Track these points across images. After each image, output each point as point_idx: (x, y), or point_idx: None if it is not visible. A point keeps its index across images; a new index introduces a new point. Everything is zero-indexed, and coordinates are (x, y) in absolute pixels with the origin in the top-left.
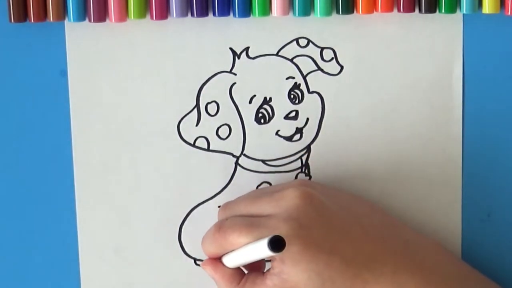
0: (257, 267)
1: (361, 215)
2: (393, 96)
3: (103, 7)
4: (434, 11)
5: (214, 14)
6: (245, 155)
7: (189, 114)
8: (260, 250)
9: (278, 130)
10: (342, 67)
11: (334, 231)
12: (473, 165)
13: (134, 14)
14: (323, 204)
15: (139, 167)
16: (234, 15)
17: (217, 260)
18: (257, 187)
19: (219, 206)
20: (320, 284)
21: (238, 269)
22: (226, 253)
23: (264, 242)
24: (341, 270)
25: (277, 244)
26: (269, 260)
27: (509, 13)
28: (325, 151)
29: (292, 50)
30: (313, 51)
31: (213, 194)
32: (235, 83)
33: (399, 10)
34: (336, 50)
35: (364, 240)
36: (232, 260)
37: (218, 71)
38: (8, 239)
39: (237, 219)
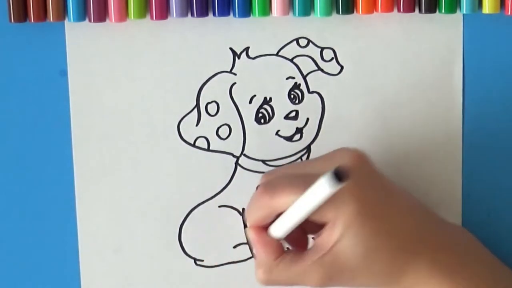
0: (300, 244)
1: (404, 192)
2: (393, 96)
3: (103, 7)
4: (434, 11)
5: (214, 14)
6: (245, 155)
7: (189, 114)
8: (320, 188)
9: (278, 130)
10: (342, 67)
11: (384, 199)
12: (473, 165)
13: (134, 14)
14: (374, 169)
15: (139, 167)
16: (234, 15)
17: (261, 227)
18: (257, 188)
19: (219, 206)
20: (363, 253)
21: (280, 245)
22: (272, 221)
23: (327, 175)
24: (387, 240)
25: (339, 177)
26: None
27: (509, 13)
28: (325, 151)
29: (292, 50)
30: (313, 51)
31: (213, 194)
32: (235, 83)
33: (399, 10)
34: (336, 50)
35: (409, 215)
36: (281, 223)
37: (218, 71)
38: (8, 239)
39: (285, 178)
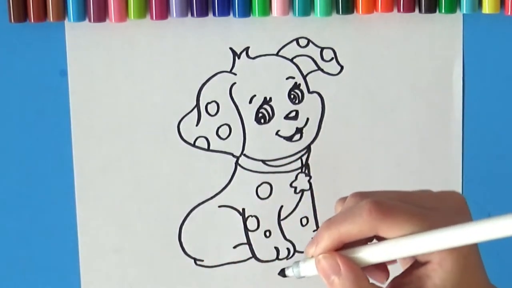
0: (380, 273)
1: None
2: (393, 96)
3: (103, 7)
4: (434, 11)
5: (214, 14)
6: (245, 155)
7: (189, 114)
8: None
9: (278, 130)
10: (342, 67)
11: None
12: (473, 165)
13: (134, 14)
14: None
15: (139, 167)
16: (234, 15)
17: (338, 253)
18: (257, 188)
19: (219, 206)
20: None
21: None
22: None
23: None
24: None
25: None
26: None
27: (509, 13)
28: (325, 151)
29: (292, 50)
30: (313, 51)
31: (213, 194)
32: (235, 83)
33: (399, 10)
34: (336, 50)
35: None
36: (385, 254)
37: (218, 71)
38: (8, 239)
39: (401, 204)
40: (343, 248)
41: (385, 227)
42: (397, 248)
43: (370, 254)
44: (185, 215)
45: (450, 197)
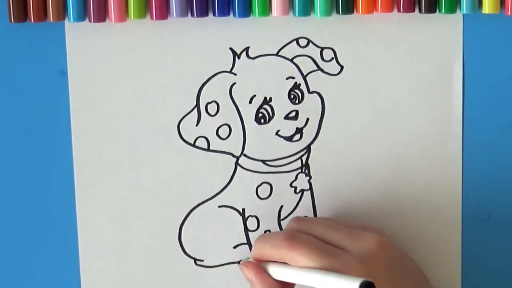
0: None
1: (417, 281)
2: (393, 96)
3: (103, 7)
4: (434, 11)
5: (214, 14)
6: (245, 155)
7: (189, 114)
8: (343, 286)
9: (278, 130)
10: (342, 67)
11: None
12: (473, 165)
13: (134, 14)
14: (394, 258)
15: (139, 167)
16: (234, 15)
17: (258, 265)
18: (257, 188)
19: (219, 206)
20: None
21: (278, 281)
22: (275, 261)
23: (355, 284)
24: None
25: None
26: None
27: (509, 13)
28: (325, 151)
29: (292, 50)
30: (313, 51)
31: (213, 194)
32: (235, 83)
33: (399, 10)
34: (336, 50)
35: None
36: (285, 274)
37: (218, 71)
38: (8, 239)
39: (310, 238)
40: None
41: (288, 258)
42: (297, 277)
43: (279, 272)
44: (185, 215)
45: (366, 237)
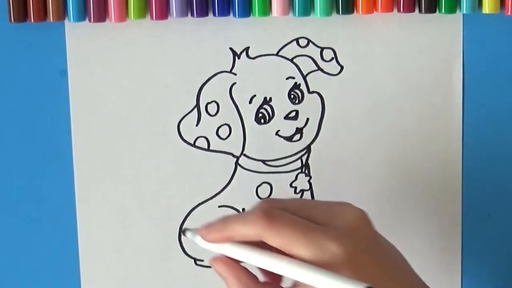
0: (276, 278)
1: (398, 257)
2: (393, 96)
3: (103, 7)
4: (434, 11)
5: (214, 14)
6: (245, 155)
7: (189, 114)
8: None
9: (278, 130)
10: (342, 67)
11: (377, 260)
12: (473, 165)
13: (134, 14)
14: (374, 232)
15: (139, 167)
16: (234, 15)
17: (227, 258)
18: (257, 188)
19: (219, 206)
20: None
21: (251, 273)
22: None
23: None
24: None
25: None
26: None
27: (509, 13)
28: (325, 151)
29: (292, 50)
30: (313, 51)
31: (213, 194)
32: (235, 83)
33: (399, 10)
34: (336, 50)
35: (396, 278)
36: (268, 264)
37: (218, 71)
38: (8, 239)
39: (288, 215)
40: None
41: (267, 235)
42: (277, 265)
43: (256, 258)
44: (185, 215)
45: (346, 212)
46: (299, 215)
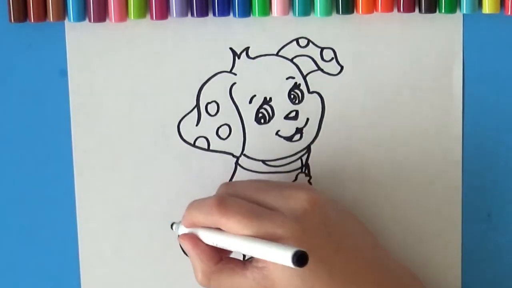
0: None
1: (356, 232)
2: (393, 96)
3: (103, 7)
4: (434, 11)
5: (214, 14)
6: (245, 155)
7: (189, 114)
8: (275, 255)
9: (278, 130)
10: (342, 67)
11: (330, 243)
12: (473, 165)
13: (134, 14)
14: (327, 214)
15: (139, 167)
16: (234, 15)
17: (195, 236)
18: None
19: None
20: (299, 286)
21: (215, 248)
22: (208, 227)
23: (288, 253)
24: (326, 281)
25: (300, 258)
26: None
27: (509, 13)
28: (325, 151)
29: (292, 50)
30: (313, 51)
31: (213, 194)
32: (235, 83)
33: (399, 10)
34: (336, 50)
35: (354, 258)
36: (220, 241)
37: (218, 71)
38: (8, 239)
39: (241, 202)
40: None
41: (221, 223)
42: (230, 243)
43: (214, 239)
44: None
45: (297, 196)
46: (253, 200)
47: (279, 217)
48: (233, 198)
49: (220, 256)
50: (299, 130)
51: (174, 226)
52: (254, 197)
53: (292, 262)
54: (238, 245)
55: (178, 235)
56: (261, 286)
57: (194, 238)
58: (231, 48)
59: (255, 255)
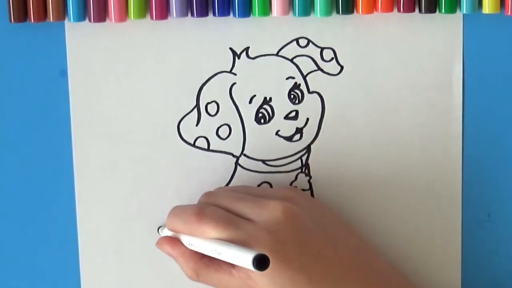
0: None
1: (337, 238)
2: (393, 96)
3: (103, 7)
4: (434, 11)
5: (214, 14)
6: (245, 155)
7: (189, 114)
8: (238, 258)
9: (278, 130)
10: (342, 67)
11: (308, 251)
12: (473, 165)
13: (134, 14)
14: (303, 223)
15: (139, 167)
16: (234, 15)
17: (174, 238)
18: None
19: None
20: None
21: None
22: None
23: (249, 257)
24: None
25: (260, 261)
26: None
27: (509, 13)
28: (325, 151)
29: (292, 50)
30: (313, 51)
31: None
32: (235, 83)
33: (399, 10)
34: (336, 50)
35: (335, 264)
36: (198, 247)
37: (218, 71)
38: (8, 239)
39: (218, 211)
40: None
41: (198, 232)
42: (201, 245)
43: (194, 244)
44: None
45: (272, 207)
46: (230, 209)
47: (251, 227)
48: (212, 207)
49: (202, 254)
50: (299, 130)
51: (160, 230)
52: (232, 206)
53: (253, 265)
54: (208, 247)
55: (156, 242)
56: (247, 286)
57: (172, 241)
58: (231, 48)
59: (222, 258)
